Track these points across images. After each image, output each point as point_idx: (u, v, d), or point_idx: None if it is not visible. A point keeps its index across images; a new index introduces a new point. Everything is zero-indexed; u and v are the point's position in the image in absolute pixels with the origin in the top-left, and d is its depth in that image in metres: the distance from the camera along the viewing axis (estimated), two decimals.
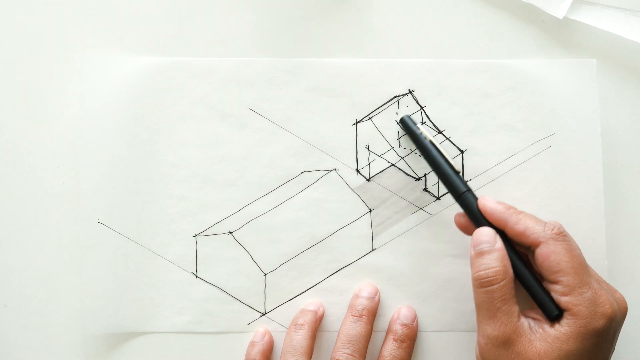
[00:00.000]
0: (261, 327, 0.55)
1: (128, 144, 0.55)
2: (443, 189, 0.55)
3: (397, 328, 0.53)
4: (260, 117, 0.55)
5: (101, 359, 0.55)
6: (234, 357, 0.54)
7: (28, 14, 0.56)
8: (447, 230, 0.55)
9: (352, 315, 0.53)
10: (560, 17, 0.56)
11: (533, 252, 0.49)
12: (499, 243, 0.49)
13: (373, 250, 0.55)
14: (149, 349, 0.55)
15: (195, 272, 0.55)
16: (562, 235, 0.48)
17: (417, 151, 0.55)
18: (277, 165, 0.55)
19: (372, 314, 0.53)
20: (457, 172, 0.52)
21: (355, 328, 0.52)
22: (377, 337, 0.54)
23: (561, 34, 0.56)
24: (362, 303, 0.53)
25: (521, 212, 0.50)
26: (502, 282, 0.47)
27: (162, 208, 0.55)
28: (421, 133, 0.53)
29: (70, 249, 0.55)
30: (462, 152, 0.55)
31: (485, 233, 0.49)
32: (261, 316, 0.55)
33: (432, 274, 0.55)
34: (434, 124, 0.56)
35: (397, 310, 0.54)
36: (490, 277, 0.47)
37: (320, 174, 0.55)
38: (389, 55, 0.56)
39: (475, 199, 0.51)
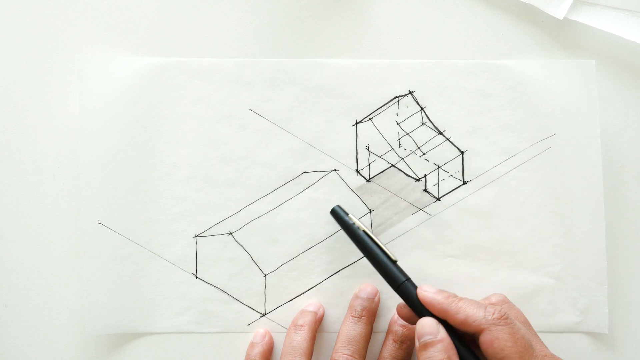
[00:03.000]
0: (261, 328, 0.55)
1: (128, 144, 0.55)
2: (443, 190, 0.55)
3: (397, 329, 0.53)
4: (260, 117, 0.55)
5: (101, 359, 0.55)
6: (233, 357, 0.55)
7: (28, 14, 0.56)
8: (447, 230, 0.55)
9: (352, 316, 0.53)
10: (560, 18, 0.56)
11: (478, 339, 0.47)
12: (442, 333, 0.47)
13: None
14: (148, 349, 0.55)
15: (195, 273, 0.55)
16: (503, 319, 0.47)
17: (417, 152, 0.55)
18: (277, 166, 0.55)
19: (372, 314, 0.53)
20: (394, 262, 0.50)
21: (355, 329, 0.52)
22: (377, 337, 0.55)
23: (561, 35, 0.56)
24: (362, 304, 0.53)
25: (462, 299, 0.48)
26: None
27: (162, 208, 0.55)
28: (354, 223, 0.52)
29: (70, 249, 0.55)
30: (462, 152, 0.55)
31: (427, 324, 0.47)
32: (261, 317, 0.55)
33: (432, 274, 0.55)
34: (434, 124, 0.56)
35: None
36: None
37: (320, 174, 0.55)
38: (389, 55, 0.56)
39: (415, 287, 0.49)
